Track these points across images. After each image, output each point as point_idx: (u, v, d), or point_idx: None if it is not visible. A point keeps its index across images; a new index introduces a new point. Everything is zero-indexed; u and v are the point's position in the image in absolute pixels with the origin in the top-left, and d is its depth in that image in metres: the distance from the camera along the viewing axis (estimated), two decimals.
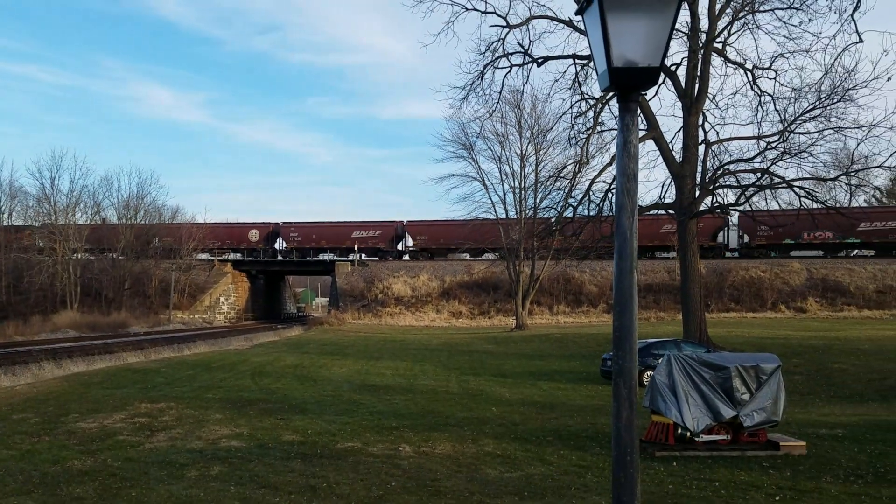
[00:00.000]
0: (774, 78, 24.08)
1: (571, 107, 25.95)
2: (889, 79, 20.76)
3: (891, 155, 21.77)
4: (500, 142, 42.02)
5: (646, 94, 23.73)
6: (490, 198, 42.82)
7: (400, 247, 61.01)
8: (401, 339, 35.87)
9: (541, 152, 41.21)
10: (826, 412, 15.54)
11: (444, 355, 27.91)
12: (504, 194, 43.61)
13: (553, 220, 30.26)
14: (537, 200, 41.08)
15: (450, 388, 19.01)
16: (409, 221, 60.00)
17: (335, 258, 59.94)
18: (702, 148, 24.96)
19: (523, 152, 41.71)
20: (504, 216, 43.37)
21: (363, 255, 58.65)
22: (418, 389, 18.39)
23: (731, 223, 50.54)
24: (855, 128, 22.07)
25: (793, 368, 21.21)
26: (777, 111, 23.70)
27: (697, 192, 24.92)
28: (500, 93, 27.34)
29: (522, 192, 42.16)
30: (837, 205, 25.29)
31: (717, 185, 24.53)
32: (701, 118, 25.03)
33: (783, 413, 12.89)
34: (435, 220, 58.47)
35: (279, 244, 62.93)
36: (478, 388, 18.82)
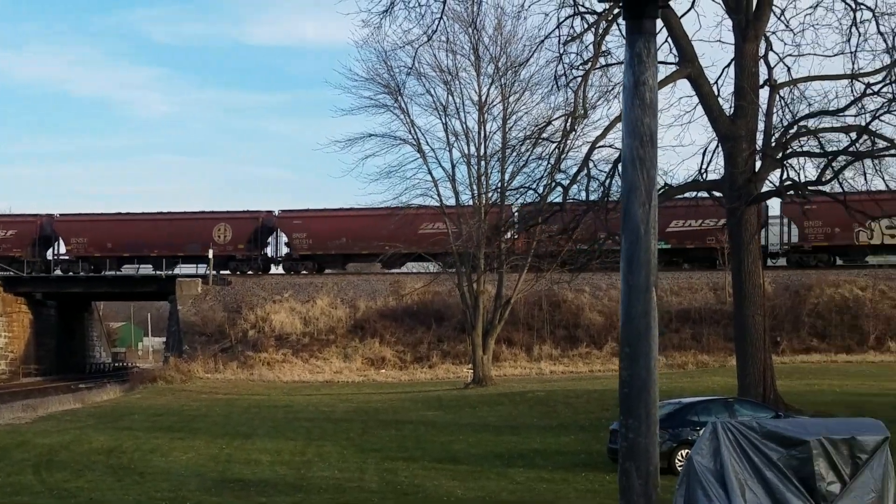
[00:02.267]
0: None
1: (559, 26, 26.27)
2: None
3: None
4: (447, 82, 42.18)
5: (672, 7, 24.19)
6: (430, 172, 42.92)
7: (270, 252, 60.91)
8: (286, 404, 35.61)
9: (511, 99, 41.55)
10: None
11: (357, 429, 27.83)
12: (453, 166, 43.69)
13: (532, 207, 30.55)
14: (506, 177, 41.39)
15: (365, 483, 18.88)
16: (281, 212, 59.86)
17: (175, 273, 59.34)
18: (765, 93, 25.61)
19: (483, 99, 42.00)
20: (454, 202, 43.56)
21: (209, 269, 58.22)
22: (314, 486, 18.19)
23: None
24: None
25: None
26: (882, 35, 24.45)
27: (759, 163, 25.51)
28: (445, 2, 27.54)
29: (482, 162, 42.43)
30: None
31: (789, 151, 25.16)
32: (763, 46, 25.61)
33: None
34: (326, 209, 58.34)
35: (57, 249, 62.68)
36: (411, 484, 18.75)
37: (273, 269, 60.86)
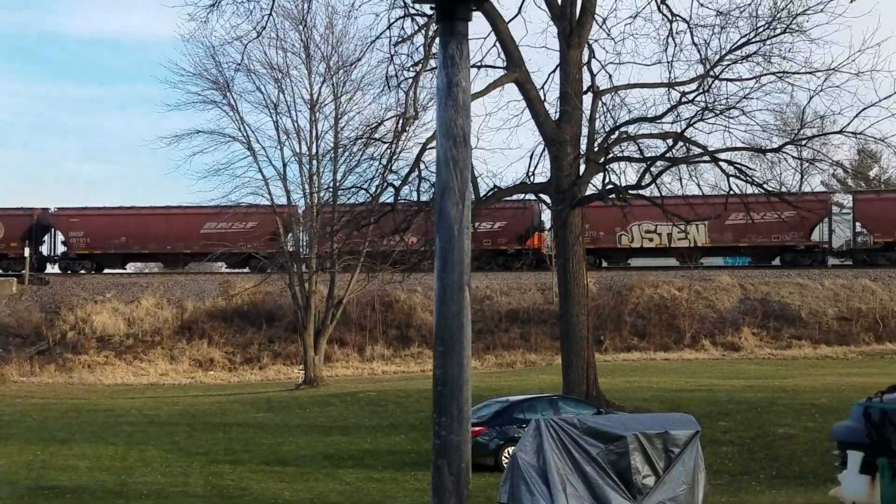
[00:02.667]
0: None
1: (390, 27, 26.37)
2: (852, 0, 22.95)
3: (857, 115, 24.05)
4: (277, 80, 41.72)
5: (499, 12, 24.56)
6: (261, 171, 42.33)
7: (45, 251, 58.76)
8: (107, 408, 34.57)
9: (343, 99, 41.43)
10: (768, 501, 16.86)
11: (183, 433, 27.27)
12: (284, 165, 43.25)
13: (364, 207, 30.51)
14: (338, 176, 41.25)
15: (190, 487, 18.59)
16: (58, 209, 57.60)
17: None
18: (588, 99, 26.28)
19: (314, 98, 41.74)
20: (285, 200, 43.13)
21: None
22: (135, 492, 17.82)
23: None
24: (806, 73, 24.22)
25: (720, 436, 22.83)
26: (696, 46, 25.49)
27: (583, 167, 26.18)
28: None
29: (314, 161, 42.19)
30: (783, 188, 27.59)
31: (611, 155, 25.91)
32: (586, 53, 26.33)
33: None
34: (106, 207, 56.68)
35: None
36: (238, 487, 18.55)
37: (49, 269, 58.32)
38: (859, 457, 2.85)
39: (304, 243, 41.84)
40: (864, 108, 23.98)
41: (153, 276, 56.69)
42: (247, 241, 46.09)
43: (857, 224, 51.23)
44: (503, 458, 19.34)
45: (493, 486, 16.03)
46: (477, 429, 20.45)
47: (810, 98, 24.51)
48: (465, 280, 4.41)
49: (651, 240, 51.33)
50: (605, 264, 53.55)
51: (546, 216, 48.58)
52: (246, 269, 53.49)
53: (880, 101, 23.94)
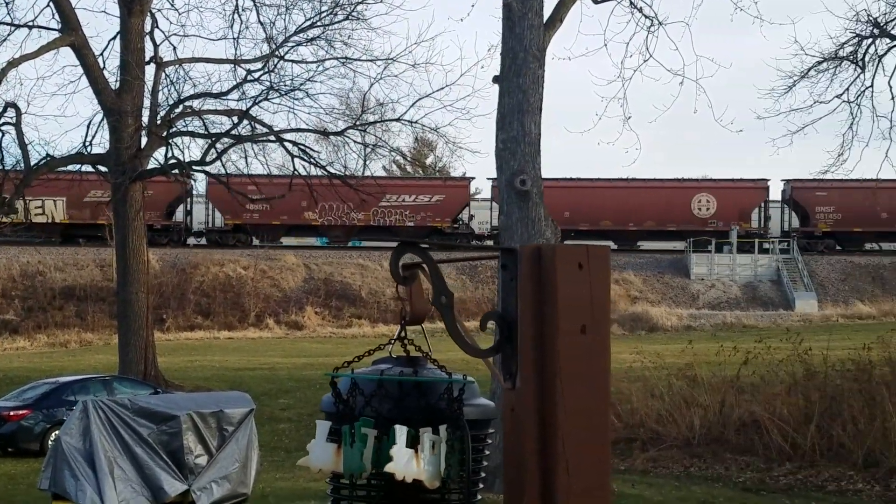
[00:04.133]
0: None
1: None
2: None
3: (412, 104, 25.35)
4: None
5: None
6: None
7: None
8: None
9: None
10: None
11: None
12: None
13: None
14: None
15: None
16: None
17: None
18: (151, 70, 25.56)
19: None
20: None
21: None
22: None
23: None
24: (367, 60, 25.17)
25: (279, 413, 23.16)
26: (262, 24, 25.60)
27: (145, 140, 25.45)
28: None
29: None
30: (349, 171, 28.42)
31: (174, 129, 25.40)
32: (149, 22, 25.56)
33: (254, 481, 13.95)
34: None
35: None
36: None
37: None
38: (327, 425, 3.01)
39: None
40: (420, 99, 25.36)
41: None
42: None
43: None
44: (49, 442, 18.33)
45: (38, 472, 15.15)
46: (21, 412, 19.33)
47: (371, 85, 25.59)
48: None
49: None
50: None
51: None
52: None
53: (434, 92, 25.44)
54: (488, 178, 52.16)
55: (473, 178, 57.99)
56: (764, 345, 17.56)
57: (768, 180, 55.54)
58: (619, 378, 19.60)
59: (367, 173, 31.66)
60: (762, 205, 54.21)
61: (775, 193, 54.83)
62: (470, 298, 48.15)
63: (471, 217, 55.14)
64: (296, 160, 25.91)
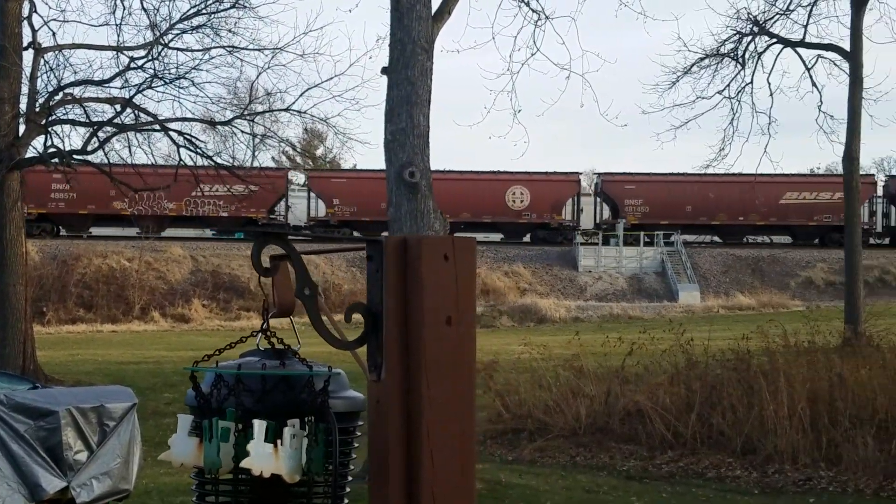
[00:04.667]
0: None
1: None
2: None
3: (301, 94, 25.15)
4: None
5: None
6: None
7: None
8: None
9: None
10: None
11: None
12: None
13: None
14: None
15: None
16: None
17: None
18: (29, 56, 24.87)
19: None
20: None
21: None
22: None
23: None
24: (255, 49, 24.89)
25: (163, 407, 22.70)
26: (145, 11, 25.05)
27: (23, 128, 24.74)
28: None
29: None
30: (236, 162, 28.06)
31: (54, 117, 24.75)
32: (27, 6, 24.80)
33: (137, 476, 13.70)
34: None
35: None
36: None
37: None
38: (188, 419, 2.97)
39: None
40: (308, 89, 25.17)
41: None
42: None
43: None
44: None
45: None
46: None
47: (258, 75, 25.29)
48: None
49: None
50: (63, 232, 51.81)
51: None
52: None
53: (323, 82, 25.34)
54: (305, 170, 52.94)
55: (290, 168, 58.32)
56: (648, 336, 17.95)
57: (580, 174, 57.38)
58: (508, 369, 19.85)
59: (257, 164, 31.35)
60: (574, 198, 55.31)
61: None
62: (361, 290, 48.09)
63: (288, 208, 55.18)
64: (181, 150, 25.48)
